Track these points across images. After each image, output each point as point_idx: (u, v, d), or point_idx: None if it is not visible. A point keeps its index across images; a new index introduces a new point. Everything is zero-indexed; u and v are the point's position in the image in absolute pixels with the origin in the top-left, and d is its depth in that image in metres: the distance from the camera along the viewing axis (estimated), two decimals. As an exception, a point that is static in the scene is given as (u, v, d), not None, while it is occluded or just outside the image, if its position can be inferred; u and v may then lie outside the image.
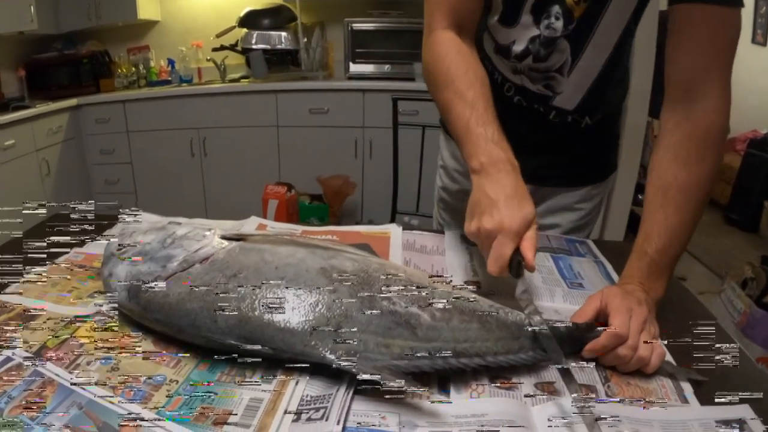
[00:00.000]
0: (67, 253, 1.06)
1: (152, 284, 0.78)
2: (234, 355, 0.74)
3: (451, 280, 0.94)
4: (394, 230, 1.21)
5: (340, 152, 4.03)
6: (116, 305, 0.82)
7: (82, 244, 1.10)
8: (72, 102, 3.93)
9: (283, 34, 4.13)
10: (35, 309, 0.84)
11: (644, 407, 0.73)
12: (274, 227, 1.21)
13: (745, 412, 0.72)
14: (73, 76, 4.16)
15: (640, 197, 3.41)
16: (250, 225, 1.20)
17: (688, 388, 0.77)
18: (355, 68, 4.06)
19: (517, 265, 0.86)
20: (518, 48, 1.17)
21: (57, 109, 3.79)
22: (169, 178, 4.15)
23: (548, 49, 1.15)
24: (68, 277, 0.95)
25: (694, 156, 0.94)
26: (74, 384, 0.68)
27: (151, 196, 4.18)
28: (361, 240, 1.13)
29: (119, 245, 0.86)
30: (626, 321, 0.79)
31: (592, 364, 0.80)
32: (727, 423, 0.70)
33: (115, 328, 0.80)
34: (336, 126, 4.00)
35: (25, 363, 0.71)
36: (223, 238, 0.86)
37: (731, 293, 3.02)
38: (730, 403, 0.73)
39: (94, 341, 0.77)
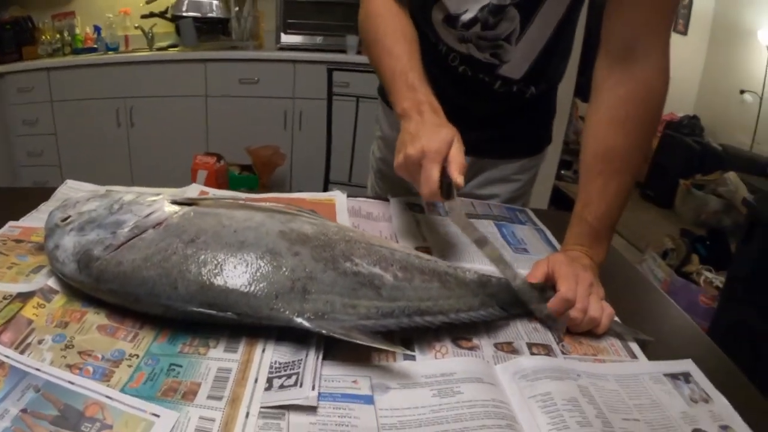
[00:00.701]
0: (0, 228, 0.99)
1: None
2: (195, 323, 0.71)
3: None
4: (338, 197, 1.19)
5: (269, 123, 4.01)
6: (64, 278, 0.78)
7: (17, 217, 1.04)
8: (-7, 69, 3.73)
9: (215, 2, 4.06)
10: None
11: (597, 362, 0.76)
12: (216, 194, 1.18)
13: (689, 366, 0.77)
14: (-6, 43, 3.96)
15: (562, 172, 3.55)
16: (192, 191, 1.16)
17: (635, 346, 0.81)
18: (286, 39, 4.01)
19: (447, 187, 0.88)
20: (467, 16, 1.16)
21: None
22: (95, 149, 4.00)
23: (497, 17, 1.14)
24: (5, 252, 0.88)
25: (634, 119, 0.95)
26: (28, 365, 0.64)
27: (76, 167, 4.00)
28: (306, 206, 1.10)
29: (62, 216, 0.81)
30: (573, 286, 0.82)
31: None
32: (674, 376, 0.74)
33: (64, 303, 0.76)
34: (266, 96, 3.97)
35: (-31, 345, 0.66)
36: (173, 202, 0.83)
37: (652, 263, 3.21)
38: (674, 358, 0.78)
39: (44, 318, 0.72)
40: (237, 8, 4.12)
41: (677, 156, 5.11)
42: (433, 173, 0.86)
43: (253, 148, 3.77)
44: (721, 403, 0.70)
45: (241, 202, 0.89)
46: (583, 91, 3.84)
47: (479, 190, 1.39)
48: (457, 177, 0.86)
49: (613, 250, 1.11)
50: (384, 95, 1.39)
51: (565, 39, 1.25)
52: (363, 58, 1.14)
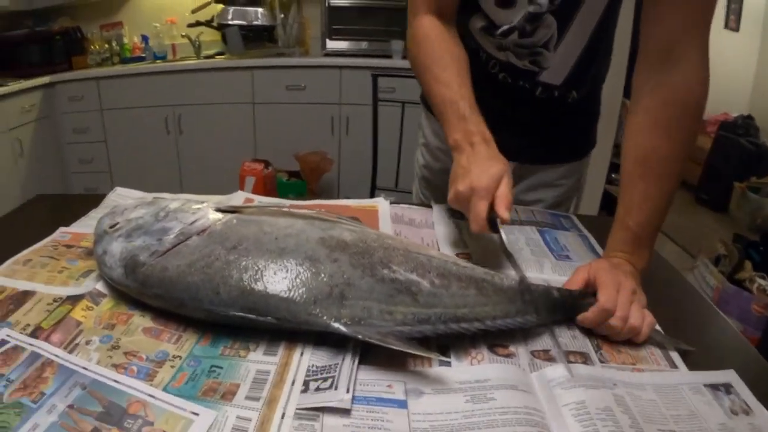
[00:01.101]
0: (52, 233, 1.03)
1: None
2: (237, 327, 0.74)
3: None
4: (381, 204, 1.21)
5: (316, 129, 4.02)
6: (112, 283, 0.80)
7: (68, 223, 1.08)
8: (45, 80, 3.82)
9: (260, 10, 4.11)
10: (26, 291, 0.81)
11: (636, 371, 0.75)
12: (261, 201, 1.20)
13: (731, 376, 0.74)
14: (45, 53, 4.04)
15: (613, 176, 3.49)
16: (237, 199, 1.19)
17: (676, 355, 0.79)
18: (331, 45, 4.04)
19: (492, 222, 0.90)
20: (505, 25, 1.17)
21: (29, 87, 3.68)
22: (144, 156, 4.08)
23: (534, 25, 1.15)
24: (56, 257, 0.92)
25: (674, 123, 0.94)
26: (76, 364, 0.67)
27: (126, 174, 4.10)
28: (350, 213, 1.11)
29: (111, 223, 0.84)
30: (614, 295, 0.80)
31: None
32: (714, 387, 0.72)
33: (111, 306, 0.79)
34: (312, 102, 3.98)
35: (22, 345, 0.69)
36: (218, 210, 0.85)
37: (704, 270, 3.12)
38: (717, 368, 0.76)
39: (92, 320, 0.75)
40: (282, 15, 4.16)
41: (732, 158, 4.97)
42: (482, 210, 0.88)
43: (301, 155, 3.79)
44: (763, 415, 0.68)
45: (284, 209, 0.92)
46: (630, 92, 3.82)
47: (523, 195, 1.38)
48: (504, 213, 0.88)
49: (657, 256, 1.09)
50: (426, 102, 1.40)
51: (604, 42, 1.24)
52: (407, 63, 1.15)
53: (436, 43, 1.12)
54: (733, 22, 6.28)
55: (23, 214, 1.23)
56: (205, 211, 0.84)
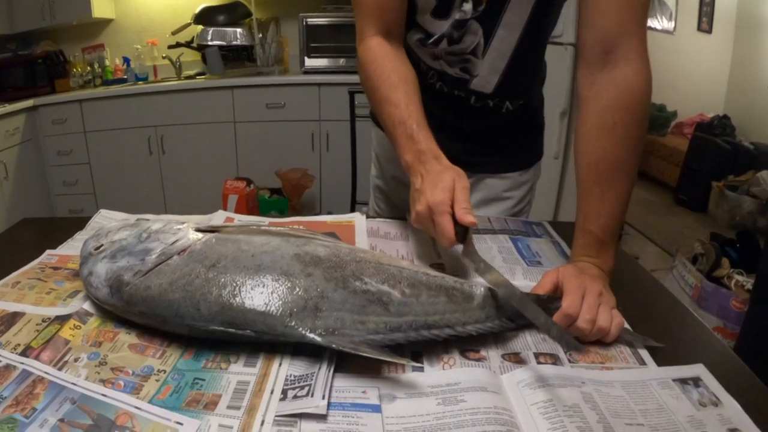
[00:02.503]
0: (39, 256, 1.07)
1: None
2: (218, 341, 0.77)
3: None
4: (357, 219, 1.24)
5: (297, 146, 4.06)
6: (98, 302, 0.84)
7: (54, 246, 1.11)
8: (28, 103, 3.87)
9: (239, 30, 4.16)
10: (16, 312, 0.84)
11: (605, 369, 0.77)
12: (241, 220, 1.23)
13: (699, 370, 0.76)
14: (28, 76, 4.10)
15: None
16: (218, 218, 1.23)
17: (645, 353, 0.81)
18: (310, 62, 4.08)
19: (461, 231, 0.90)
20: (436, 34, 1.20)
21: (13, 111, 3.73)
22: (127, 176, 4.12)
23: (460, 32, 1.18)
24: (44, 279, 0.96)
25: (620, 125, 0.95)
26: (65, 380, 0.70)
27: (110, 195, 4.15)
28: (327, 229, 1.15)
29: (96, 245, 0.88)
30: (577, 300, 0.82)
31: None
32: (683, 381, 0.74)
33: (98, 325, 0.82)
34: (293, 120, 4.02)
35: (13, 363, 0.72)
36: (198, 230, 0.89)
37: (682, 269, 3.16)
38: (687, 364, 0.77)
39: (80, 338, 0.79)
40: (261, 35, 4.22)
41: (709, 158, 5.06)
42: (445, 226, 0.89)
43: (282, 172, 3.82)
44: (731, 406, 0.69)
45: (262, 227, 0.95)
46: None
47: (475, 210, 1.40)
48: (467, 219, 0.88)
49: (625, 256, 1.12)
50: (374, 116, 1.43)
51: (534, 53, 1.26)
52: None
53: (383, 63, 1.14)
54: (706, 24, 6.38)
55: (10, 237, 1.26)
56: (186, 231, 0.87)
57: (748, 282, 2.89)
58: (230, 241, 0.85)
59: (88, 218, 1.25)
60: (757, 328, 2.46)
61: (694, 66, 6.30)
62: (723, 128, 5.62)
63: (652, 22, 6.33)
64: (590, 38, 1.01)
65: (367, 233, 1.18)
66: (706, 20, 6.42)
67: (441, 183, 0.93)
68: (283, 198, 3.82)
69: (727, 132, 5.61)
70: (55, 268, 1.01)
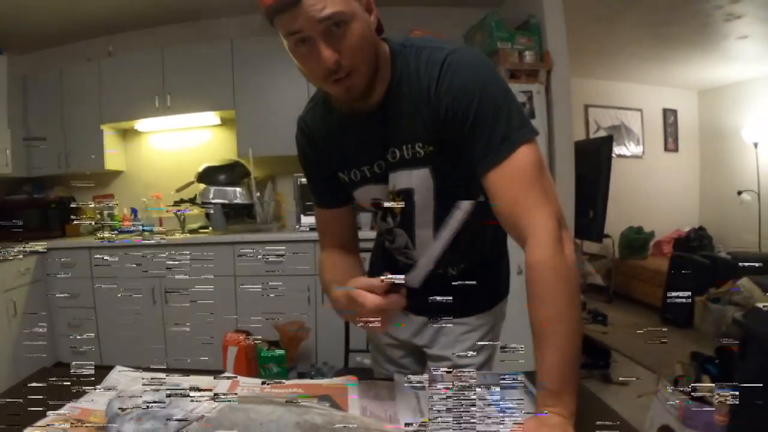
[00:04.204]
0: (59, 408, 1.14)
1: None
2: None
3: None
4: (349, 382, 1.35)
5: (294, 299, 4.17)
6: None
7: (71, 398, 1.19)
8: (41, 246, 4.04)
9: (238, 189, 4.41)
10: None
11: None
12: (245, 383, 1.35)
13: None
14: (41, 219, 4.34)
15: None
16: (222, 386, 1.32)
17: None
18: (305, 220, 4.32)
19: (393, 286, 1.07)
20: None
21: (26, 252, 3.90)
22: (131, 323, 4.22)
23: (391, 236, 1.45)
24: (70, 430, 1.05)
25: (545, 290, 1.05)
26: None
27: (113, 341, 4.25)
28: (323, 391, 1.28)
29: (122, 406, 1.01)
30: None
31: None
32: None
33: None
34: (290, 274, 4.15)
35: None
36: (213, 398, 1.03)
37: (665, 392, 3.20)
38: None
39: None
40: (258, 194, 4.47)
41: (689, 275, 5.15)
42: (366, 299, 1.06)
43: (279, 325, 3.89)
44: None
45: (266, 398, 1.09)
46: (584, 231, 4.01)
47: (433, 351, 1.58)
48: (376, 281, 1.06)
49: (588, 393, 1.21)
50: None
51: (464, 237, 1.28)
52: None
53: (332, 270, 1.36)
54: (672, 143, 6.82)
55: (27, 387, 1.29)
56: (202, 400, 1.02)
57: (727, 396, 2.92)
58: (241, 410, 0.99)
59: (99, 366, 1.30)
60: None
61: (665, 184, 6.64)
62: (700, 240, 5.77)
63: (621, 150, 6.68)
64: (500, 217, 1.14)
65: (358, 395, 1.28)
66: (671, 140, 6.85)
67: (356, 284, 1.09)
68: (280, 351, 3.87)
69: (704, 243, 5.74)
70: (79, 421, 1.10)
